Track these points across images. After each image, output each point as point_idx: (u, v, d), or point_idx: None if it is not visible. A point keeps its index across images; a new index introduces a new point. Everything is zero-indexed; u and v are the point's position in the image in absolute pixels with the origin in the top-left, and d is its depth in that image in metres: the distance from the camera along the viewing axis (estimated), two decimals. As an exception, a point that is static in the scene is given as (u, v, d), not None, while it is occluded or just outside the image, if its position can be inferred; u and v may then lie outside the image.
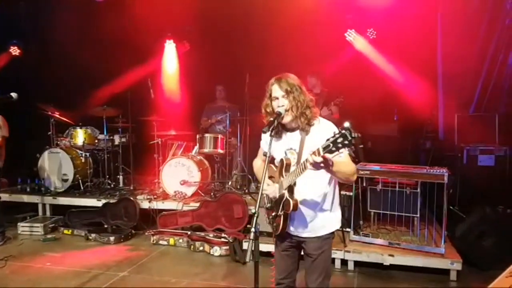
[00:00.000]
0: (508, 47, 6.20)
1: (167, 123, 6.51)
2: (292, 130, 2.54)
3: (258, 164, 2.90)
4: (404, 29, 6.26)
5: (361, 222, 4.92)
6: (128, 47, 6.86)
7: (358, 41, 6.77)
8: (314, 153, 2.06)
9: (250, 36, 6.80)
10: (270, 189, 2.53)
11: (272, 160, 2.67)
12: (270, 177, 2.63)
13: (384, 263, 4.33)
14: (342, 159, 2.26)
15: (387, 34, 6.63)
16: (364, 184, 4.74)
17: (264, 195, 2.59)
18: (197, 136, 6.22)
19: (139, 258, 4.85)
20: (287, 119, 2.46)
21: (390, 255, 4.32)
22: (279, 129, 2.55)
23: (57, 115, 6.58)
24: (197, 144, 6.22)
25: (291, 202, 2.38)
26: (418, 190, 4.52)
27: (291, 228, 2.58)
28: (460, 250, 4.33)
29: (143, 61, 7.28)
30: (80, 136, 6.49)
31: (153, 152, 6.42)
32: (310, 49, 6.40)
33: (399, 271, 4.34)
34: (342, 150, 1.94)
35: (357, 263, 4.47)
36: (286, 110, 2.44)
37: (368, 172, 4.57)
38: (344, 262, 4.47)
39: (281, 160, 2.51)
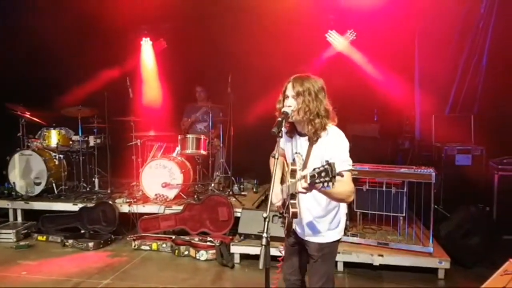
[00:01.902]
0: (482, 50, 6.41)
1: (146, 124, 6.29)
2: (302, 134, 2.49)
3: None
4: (383, 31, 6.36)
5: (347, 222, 4.92)
6: (104, 44, 6.61)
7: (338, 42, 6.81)
8: (303, 177, 1.99)
9: (232, 35, 6.69)
10: (276, 197, 2.55)
11: (285, 157, 2.66)
12: (283, 176, 2.62)
13: (374, 263, 4.34)
14: (340, 178, 2.07)
15: (366, 36, 6.71)
16: (352, 184, 4.74)
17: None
18: (179, 137, 6.04)
19: (121, 265, 4.65)
20: (293, 118, 2.40)
21: (379, 255, 4.33)
22: (292, 129, 2.52)
23: (27, 115, 6.24)
24: (179, 145, 6.05)
25: (291, 210, 2.34)
26: (405, 189, 4.57)
27: (296, 228, 2.60)
28: (446, 249, 4.39)
29: (120, 59, 7.04)
30: (53, 137, 6.17)
31: (131, 154, 6.18)
32: (292, 49, 6.39)
33: (387, 271, 4.36)
34: (325, 184, 1.86)
35: (346, 264, 4.47)
36: (293, 111, 2.38)
37: (356, 172, 4.58)
38: (333, 263, 4.45)
39: (288, 166, 2.47)
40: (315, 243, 2.53)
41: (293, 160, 2.52)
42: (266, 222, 2.14)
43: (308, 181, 1.94)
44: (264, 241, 2.11)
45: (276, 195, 2.53)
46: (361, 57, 6.76)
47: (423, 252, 4.31)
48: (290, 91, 2.41)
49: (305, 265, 2.72)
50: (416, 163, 5.96)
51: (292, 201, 2.34)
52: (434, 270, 4.25)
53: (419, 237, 4.64)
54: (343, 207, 2.58)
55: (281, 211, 2.60)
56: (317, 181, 1.88)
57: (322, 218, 2.51)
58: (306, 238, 2.57)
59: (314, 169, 1.92)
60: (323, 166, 1.87)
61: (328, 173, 1.84)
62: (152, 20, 7.08)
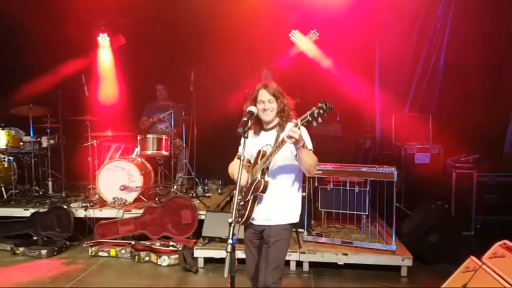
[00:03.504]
0: (439, 50, 6.62)
1: (103, 124, 6.01)
2: (268, 129, 2.78)
3: (235, 165, 2.88)
4: (344, 33, 6.41)
5: (312, 221, 4.92)
6: (58, 39, 6.25)
7: (301, 42, 6.80)
8: (295, 124, 2.33)
9: (194, 33, 6.54)
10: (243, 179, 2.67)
11: (248, 161, 2.82)
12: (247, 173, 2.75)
13: (339, 263, 4.35)
14: (309, 151, 2.57)
15: (329, 36, 6.74)
16: (316, 184, 4.74)
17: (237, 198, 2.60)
18: (138, 137, 5.82)
19: (77, 273, 4.40)
20: (269, 117, 2.70)
21: (344, 254, 4.35)
22: (258, 128, 2.76)
23: (-28, 115, 5.82)
24: (138, 146, 5.82)
25: (263, 183, 2.59)
26: (368, 188, 4.60)
27: (254, 216, 2.70)
28: (408, 246, 4.46)
29: (75, 55, 6.70)
30: (2, 138, 5.77)
31: (87, 155, 5.89)
32: (255, 48, 6.33)
33: (351, 270, 4.38)
34: (318, 119, 2.24)
35: (311, 264, 4.44)
36: (275, 112, 2.71)
37: (320, 171, 4.58)
38: (299, 263, 4.42)
39: (259, 151, 2.70)
40: (274, 226, 2.68)
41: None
42: (232, 228, 2.05)
43: (299, 124, 2.29)
44: (229, 248, 2.04)
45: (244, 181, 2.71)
46: (324, 57, 6.77)
47: (386, 250, 4.36)
48: (265, 96, 2.68)
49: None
50: (377, 162, 6.06)
51: (261, 176, 2.59)
52: (397, 268, 4.30)
53: (382, 235, 4.68)
54: (300, 192, 2.82)
55: (242, 202, 2.68)
56: (310, 118, 2.25)
57: (284, 200, 2.71)
58: (266, 223, 2.71)
59: (305, 113, 2.28)
60: (316, 107, 2.24)
61: (322, 107, 2.22)
62: (110, 15, 6.78)
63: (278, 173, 2.68)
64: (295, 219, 2.78)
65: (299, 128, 2.30)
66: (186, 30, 6.61)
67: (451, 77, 6.43)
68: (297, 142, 2.34)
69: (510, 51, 6.13)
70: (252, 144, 2.77)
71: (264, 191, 2.59)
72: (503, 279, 2.68)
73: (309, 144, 2.60)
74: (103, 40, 7.04)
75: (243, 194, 2.72)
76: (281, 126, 2.70)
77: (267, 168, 2.62)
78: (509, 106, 6.28)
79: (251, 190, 2.64)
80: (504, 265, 2.79)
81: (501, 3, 5.92)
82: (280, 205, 2.70)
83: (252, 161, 2.77)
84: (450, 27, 6.40)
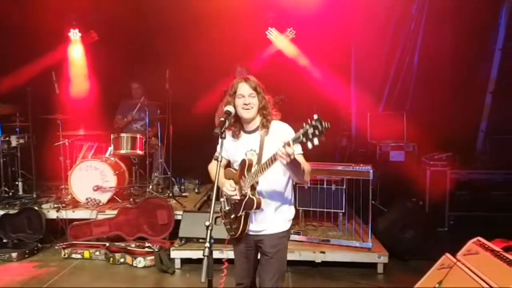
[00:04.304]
0: (413, 50, 6.72)
1: (75, 122, 5.85)
2: (250, 132, 2.56)
3: (214, 167, 2.71)
4: (321, 31, 6.43)
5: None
6: (27, 35, 6.03)
7: (278, 40, 6.79)
8: (285, 144, 2.06)
9: (170, 30, 6.43)
10: (232, 191, 2.48)
11: (229, 163, 2.67)
12: (229, 179, 2.56)
13: (316, 261, 4.37)
14: (301, 159, 2.39)
15: (305, 35, 6.75)
16: (294, 183, 4.73)
17: (223, 200, 2.58)
18: (112, 136, 5.68)
19: (49, 276, 4.27)
20: (250, 114, 2.47)
21: (321, 252, 4.37)
22: (238, 130, 2.56)
23: None
24: (112, 145, 5.68)
25: (255, 200, 2.41)
26: (344, 186, 4.63)
27: (249, 227, 2.56)
28: (384, 243, 4.52)
29: (45, 51, 6.46)
30: (-32, 138, 5.55)
31: (58, 155, 5.73)
32: (231, 46, 6.25)
33: (329, 267, 4.40)
34: (314, 140, 1.96)
35: (289, 262, 4.41)
36: (256, 108, 2.49)
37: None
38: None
39: (243, 161, 2.49)
40: (272, 235, 2.55)
41: (246, 156, 2.56)
42: (209, 231, 2.02)
43: (291, 144, 2.03)
44: (206, 252, 2.00)
45: (235, 193, 2.50)
46: (300, 56, 6.77)
47: (362, 248, 4.41)
48: (246, 90, 2.46)
49: (256, 266, 2.73)
50: (353, 160, 6.11)
51: (252, 193, 2.41)
52: (373, 265, 4.36)
53: (358, 232, 4.73)
54: (292, 196, 2.71)
55: (228, 220, 2.58)
56: (304, 139, 1.98)
57: (280, 207, 2.57)
58: (263, 233, 2.56)
59: (297, 132, 2.03)
60: (308, 125, 1.97)
61: (317, 127, 1.94)
62: (82, 10, 6.58)
63: (270, 186, 2.51)
64: (290, 224, 2.67)
65: (290, 147, 2.05)
66: (161, 27, 6.49)
67: (425, 76, 6.54)
68: (290, 162, 2.12)
69: (482, 50, 6.30)
70: (234, 148, 2.60)
71: (258, 208, 2.42)
72: (477, 275, 2.74)
73: (299, 147, 2.34)
74: (74, 36, 6.83)
75: (231, 206, 2.57)
76: (264, 127, 2.48)
77: (257, 183, 2.42)
78: (481, 104, 6.45)
79: (242, 207, 2.46)
80: (478, 262, 2.86)
81: (474, 2, 6.04)
82: (276, 215, 2.56)
83: (236, 166, 2.61)
84: (423, 27, 6.50)
